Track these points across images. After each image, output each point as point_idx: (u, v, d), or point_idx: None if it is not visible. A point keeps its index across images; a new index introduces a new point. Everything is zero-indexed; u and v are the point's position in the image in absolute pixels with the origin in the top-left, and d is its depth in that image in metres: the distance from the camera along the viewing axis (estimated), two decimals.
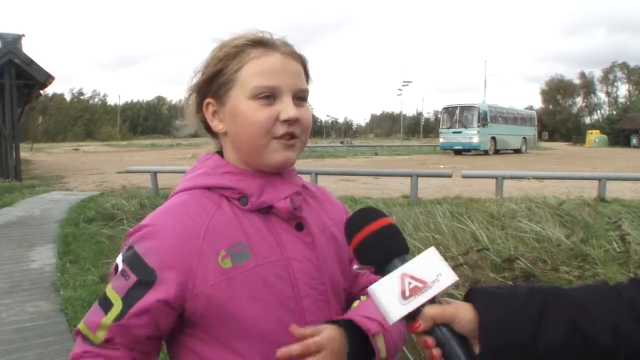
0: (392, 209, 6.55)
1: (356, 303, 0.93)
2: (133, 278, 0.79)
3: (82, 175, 16.25)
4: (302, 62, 0.88)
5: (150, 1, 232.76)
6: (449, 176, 10.08)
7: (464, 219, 5.30)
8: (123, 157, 27.98)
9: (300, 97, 0.85)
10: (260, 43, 0.84)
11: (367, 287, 1.01)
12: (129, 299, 0.79)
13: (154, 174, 10.49)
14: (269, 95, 0.82)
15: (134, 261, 0.79)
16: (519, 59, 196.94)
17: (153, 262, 0.78)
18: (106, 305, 0.80)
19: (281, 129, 0.82)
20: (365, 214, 0.76)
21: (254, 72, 0.82)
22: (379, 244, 0.72)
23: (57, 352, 3.16)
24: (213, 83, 0.85)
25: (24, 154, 18.05)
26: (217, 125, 0.88)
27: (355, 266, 1.01)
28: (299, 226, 0.87)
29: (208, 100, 0.87)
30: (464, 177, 10.15)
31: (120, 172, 15.75)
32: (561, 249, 4.30)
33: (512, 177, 9.63)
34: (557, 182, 10.67)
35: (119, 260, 0.82)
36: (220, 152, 0.92)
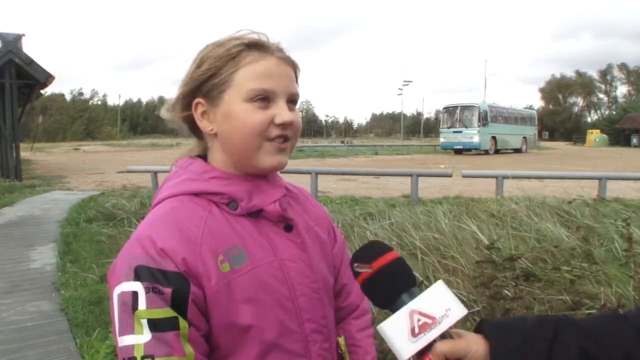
0: (392, 210, 6.54)
1: (342, 340, 0.96)
2: (167, 290, 0.74)
3: (82, 175, 16.27)
4: (294, 67, 0.88)
5: (154, 4, 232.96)
6: (450, 176, 10.05)
7: (465, 219, 5.30)
8: (123, 157, 28.00)
9: (292, 101, 0.86)
10: (256, 46, 0.84)
11: (348, 282, 1.02)
12: (177, 307, 0.74)
13: (155, 173, 10.47)
14: (264, 99, 0.82)
15: (155, 276, 0.74)
16: (514, 61, 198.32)
17: (171, 267, 0.75)
18: (163, 325, 0.72)
19: (275, 131, 0.83)
20: (370, 250, 0.74)
21: (250, 75, 0.82)
22: (387, 280, 0.70)
23: (58, 352, 3.17)
24: (206, 84, 0.84)
25: (24, 154, 18.07)
26: (206, 125, 0.86)
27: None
28: (288, 227, 0.88)
29: (198, 100, 0.86)
30: (465, 176, 10.12)
31: (121, 171, 15.75)
32: (562, 249, 4.29)
33: (512, 177, 9.59)
34: (557, 182, 10.66)
35: (130, 286, 0.73)
36: (200, 156, 0.90)
